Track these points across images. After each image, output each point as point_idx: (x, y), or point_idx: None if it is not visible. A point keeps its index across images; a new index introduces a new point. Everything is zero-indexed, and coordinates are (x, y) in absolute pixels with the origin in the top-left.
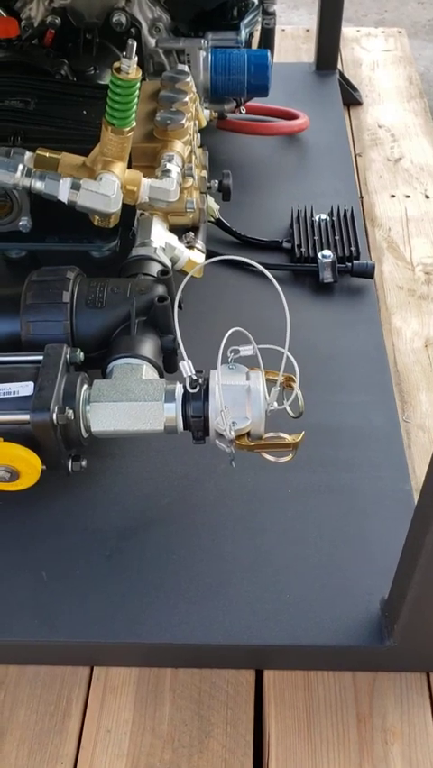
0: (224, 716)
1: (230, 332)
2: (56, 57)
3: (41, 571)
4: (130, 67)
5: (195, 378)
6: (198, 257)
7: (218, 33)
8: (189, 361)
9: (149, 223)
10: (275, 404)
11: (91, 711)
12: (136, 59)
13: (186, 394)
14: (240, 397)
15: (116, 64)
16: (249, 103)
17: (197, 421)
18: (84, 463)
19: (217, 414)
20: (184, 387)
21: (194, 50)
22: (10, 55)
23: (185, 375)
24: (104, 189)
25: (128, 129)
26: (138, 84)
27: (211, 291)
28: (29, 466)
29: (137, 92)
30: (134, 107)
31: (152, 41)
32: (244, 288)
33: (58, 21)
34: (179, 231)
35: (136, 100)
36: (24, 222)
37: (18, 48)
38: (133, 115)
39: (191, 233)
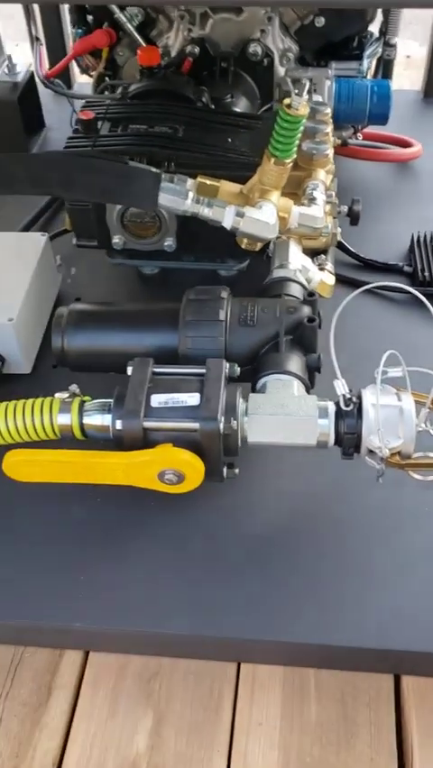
0: (367, 717)
1: (387, 354)
2: (196, 84)
3: (193, 572)
4: (300, 103)
5: (349, 396)
6: (329, 278)
7: (341, 63)
8: (343, 380)
9: (286, 245)
10: (423, 425)
11: (241, 705)
12: (307, 96)
13: (339, 411)
14: (393, 417)
15: (287, 100)
16: (364, 130)
17: (350, 438)
18: (237, 471)
19: (371, 432)
20: (336, 404)
21: (320, 79)
22: (154, 82)
23: (339, 393)
24: (265, 217)
25: (289, 160)
26: (304, 120)
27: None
28: (195, 471)
29: (302, 127)
30: (297, 141)
31: (282, 70)
32: (365, 309)
33: (197, 50)
34: (308, 253)
35: (300, 134)
36: (170, 242)
37: (161, 76)
38: (295, 148)
39: (323, 256)
